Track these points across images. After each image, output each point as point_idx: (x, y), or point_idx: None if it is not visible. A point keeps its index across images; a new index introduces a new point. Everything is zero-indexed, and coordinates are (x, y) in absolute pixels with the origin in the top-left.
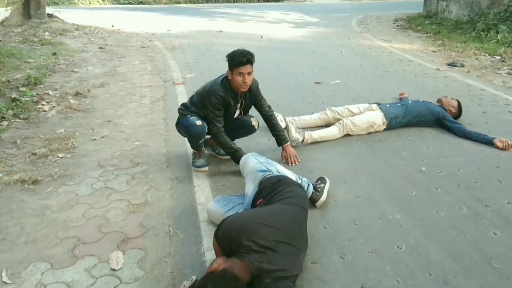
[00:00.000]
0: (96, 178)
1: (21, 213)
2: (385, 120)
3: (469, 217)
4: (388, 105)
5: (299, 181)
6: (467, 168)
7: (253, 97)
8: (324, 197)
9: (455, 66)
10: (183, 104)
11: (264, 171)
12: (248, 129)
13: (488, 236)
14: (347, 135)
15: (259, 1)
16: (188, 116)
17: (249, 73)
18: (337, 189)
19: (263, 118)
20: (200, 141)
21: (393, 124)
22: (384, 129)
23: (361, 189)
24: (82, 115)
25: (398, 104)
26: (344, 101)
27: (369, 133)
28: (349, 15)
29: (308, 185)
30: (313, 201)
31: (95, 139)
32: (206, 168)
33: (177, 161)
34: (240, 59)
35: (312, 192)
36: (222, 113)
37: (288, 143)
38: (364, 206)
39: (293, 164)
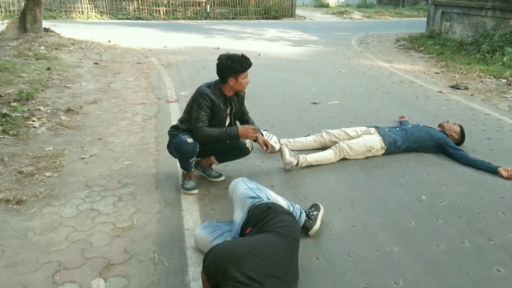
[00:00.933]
0: (82, 199)
1: (3, 235)
2: (383, 144)
3: (471, 252)
4: (386, 129)
5: (291, 208)
6: (469, 198)
7: (241, 100)
8: (317, 225)
9: (459, 88)
10: (172, 126)
11: (253, 197)
12: (242, 151)
13: (491, 273)
14: (344, 159)
15: (258, 19)
16: (180, 135)
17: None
18: (332, 217)
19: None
20: (191, 160)
21: (392, 149)
22: (383, 154)
23: (357, 217)
24: (73, 132)
25: (398, 128)
26: (341, 123)
27: (366, 158)
28: (350, 33)
29: (301, 212)
30: (305, 229)
31: (84, 158)
32: (196, 191)
33: (166, 182)
34: (248, 62)
35: (305, 220)
36: (208, 115)
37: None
38: (360, 236)
39: (268, 151)
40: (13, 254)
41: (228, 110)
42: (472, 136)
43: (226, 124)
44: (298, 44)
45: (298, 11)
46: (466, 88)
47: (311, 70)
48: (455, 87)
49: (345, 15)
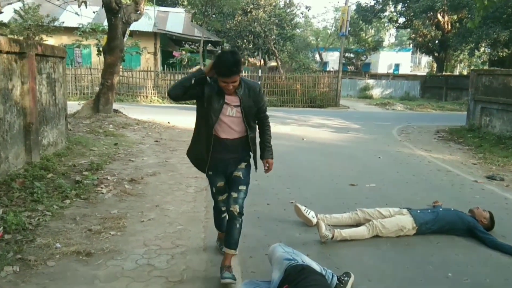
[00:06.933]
0: (141, 255)
1: (74, 280)
2: (414, 225)
3: None
4: (418, 211)
5: (323, 272)
6: (494, 278)
7: (252, 93)
8: None
9: (495, 179)
10: None
11: (290, 259)
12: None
13: None
14: (377, 236)
15: (304, 107)
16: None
17: (234, 82)
18: (362, 286)
19: (258, 123)
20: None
21: (423, 230)
22: (414, 234)
23: None
24: (134, 199)
25: (429, 210)
26: (376, 204)
27: (398, 237)
28: (391, 123)
29: (333, 276)
30: None
31: (143, 221)
32: (234, 281)
33: (213, 246)
34: (223, 71)
35: (336, 283)
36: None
37: (270, 159)
38: None
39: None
40: None
41: (228, 97)
42: (503, 224)
43: (231, 113)
44: (340, 131)
45: (342, 101)
46: (502, 179)
47: (351, 155)
48: (491, 177)
49: (387, 106)
